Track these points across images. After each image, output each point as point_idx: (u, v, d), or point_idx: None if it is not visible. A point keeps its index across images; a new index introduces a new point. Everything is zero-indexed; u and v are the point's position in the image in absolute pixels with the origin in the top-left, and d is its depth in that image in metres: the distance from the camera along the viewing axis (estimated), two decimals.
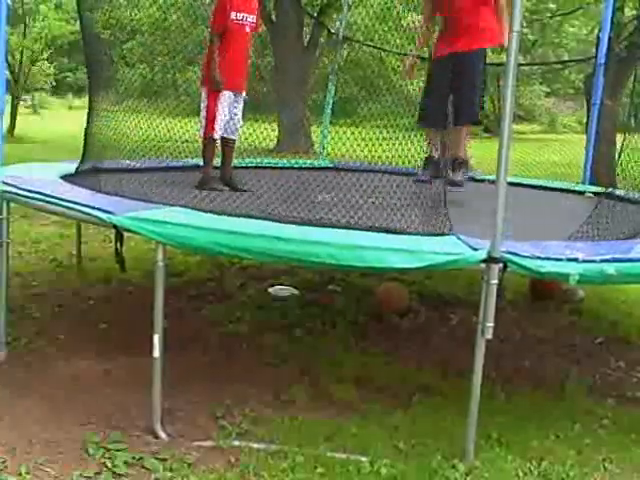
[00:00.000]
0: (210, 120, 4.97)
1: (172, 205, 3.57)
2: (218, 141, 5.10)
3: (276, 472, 2.92)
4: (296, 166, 6.68)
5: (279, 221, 3.33)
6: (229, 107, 5.02)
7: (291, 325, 4.60)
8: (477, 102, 4.40)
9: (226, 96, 4.97)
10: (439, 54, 4.44)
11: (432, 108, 4.29)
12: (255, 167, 6.32)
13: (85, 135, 4.83)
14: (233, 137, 5.19)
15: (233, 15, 4.89)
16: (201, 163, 5.18)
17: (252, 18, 5.01)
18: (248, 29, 5.00)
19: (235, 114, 5.10)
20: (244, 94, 5.17)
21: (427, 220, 3.46)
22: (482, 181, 6.29)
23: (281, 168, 6.54)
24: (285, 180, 4.63)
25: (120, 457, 2.95)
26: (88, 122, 4.81)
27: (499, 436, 3.27)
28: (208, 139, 5.04)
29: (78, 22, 5.35)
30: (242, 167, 5.78)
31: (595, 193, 5.73)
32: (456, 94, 4.28)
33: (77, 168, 4.84)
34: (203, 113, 5.04)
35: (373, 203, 4.01)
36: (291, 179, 4.58)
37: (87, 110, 4.89)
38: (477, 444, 3.08)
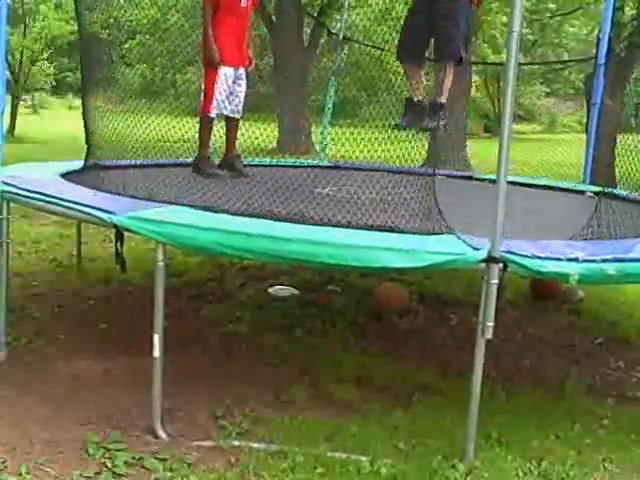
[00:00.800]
0: (208, 97, 4.86)
1: (172, 203, 3.57)
2: (215, 121, 5.01)
3: (276, 472, 2.92)
4: (296, 164, 6.68)
5: (279, 219, 3.33)
6: (228, 84, 4.90)
7: (291, 325, 4.60)
8: (458, 39, 4.15)
9: (224, 72, 4.87)
10: None
11: (411, 42, 4.19)
12: (254, 165, 6.31)
13: (86, 135, 4.83)
14: (236, 116, 5.07)
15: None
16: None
17: None
18: (244, 4, 4.92)
19: (239, 92, 4.99)
20: (243, 69, 5.05)
21: (422, 219, 3.46)
22: (482, 180, 6.30)
23: (281, 166, 6.53)
24: (284, 174, 4.62)
25: (120, 457, 2.95)
26: (85, 121, 4.81)
27: (499, 436, 3.27)
28: (204, 117, 4.92)
29: (77, 22, 5.33)
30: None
31: (596, 193, 5.72)
32: (437, 29, 4.15)
33: (82, 167, 4.84)
34: (202, 91, 4.95)
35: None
36: (291, 174, 4.58)
37: (82, 109, 4.89)
38: (477, 444, 3.08)
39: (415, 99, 4.26)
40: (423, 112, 4.25)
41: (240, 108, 5.07)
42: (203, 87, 4.95)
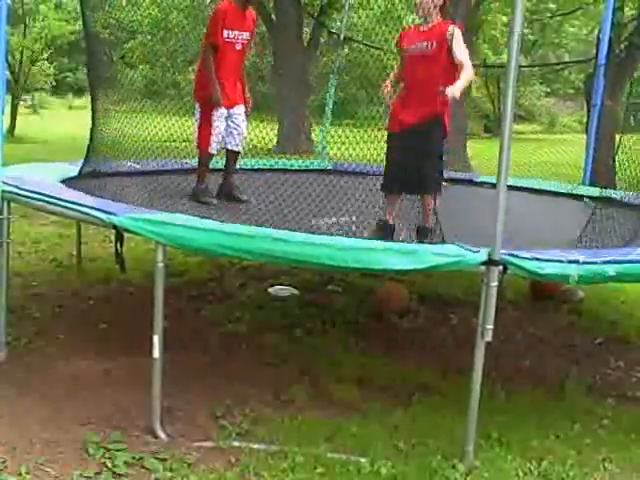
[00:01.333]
0: (204, 136, 4.86)
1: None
2: (215, 152, 4.99)
3: (276, 472, 2.92)
4: (295, 168, 6.68)
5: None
6: (226, 121, 4.91)
7: (291, 325, 4.60)
8: (433, 173, 4.14)
9: (219, 112, 4.85)
10: (393, 129, 4.26)
11: (390, 176, 4.22)
12: (254, 170, 6.31)
13: (90, 137, 4.85)
14: (236, 149, 5.09)
15: (225, 33, 4.80)
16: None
17: (246, 35, 4.91)
18: (239, 47, 4.89)
19: (237, 125, 4.99)
20: (241, 107, 5.02)
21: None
22: (482, 184, 6.31)
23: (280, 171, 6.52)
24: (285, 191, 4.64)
25: (120, 457, 2.96)
26: (93, 124, 4.83)
27: (499, 436, 3.28)
28: (205, 155, 4.93)
29: (80, 22, 5.36)
30: (242, 169, 5.76)
31: (593, 197, 5.71)
32: (415, 166, 4.12)
33: (80, 170, 4.85)
34: (196, 128, 4.94)
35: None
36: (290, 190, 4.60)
37: (91, 112, 4.91)
38: (477, 444, 3.08)
39: (389, 222, 4.24)
40: (392, 233, 4.19)
41: (240, 142, 5.07)
42: (196, 124, 4.93)
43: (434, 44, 4.06)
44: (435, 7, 4.13)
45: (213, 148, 4.92)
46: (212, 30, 4.84)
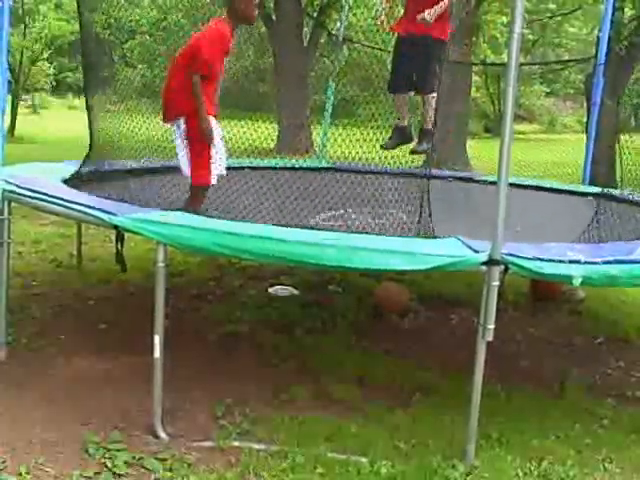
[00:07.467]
0: (203, 169, 4.08)
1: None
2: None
3: (276, 472, 2.92)
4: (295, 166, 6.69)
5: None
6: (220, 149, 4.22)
7: (291, 325, 4.60)
8: (434, 75, 4.84)
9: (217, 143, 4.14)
10: (402, 31, 4.92)
11: (397, 77, 4.91)
12: (253, 168, 6.30)
13: (90, 136, 4.84)
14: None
15: (225, 61, 4.17)
16: None
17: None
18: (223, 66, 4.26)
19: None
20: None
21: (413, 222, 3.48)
22: (483, 182, 6.31)
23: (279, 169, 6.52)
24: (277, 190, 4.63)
25: (120, 457, 2.96)
26: (90, 123, 4.82)
27: (499, 436, 3.28)
28: (202, 187, 4.18)
29: (78, 22, 5.33)
30: (240, 168, 5.74)
31: (595, 194, 5.72)
32: (417, 68, 4.81)
33: (79, 169, 4.85)
34: (187, 155, 4.12)
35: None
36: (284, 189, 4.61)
37: (86, 111, 4.90)
38: (477, 444, 3.08)
39: (401, 125, 5.00)
40: (407, 135, 5.01)
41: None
42: (188, 156, 4.12)
43: None
44: None
45: (213, 179, 4.17)
46: (212, 57, 3.97)
